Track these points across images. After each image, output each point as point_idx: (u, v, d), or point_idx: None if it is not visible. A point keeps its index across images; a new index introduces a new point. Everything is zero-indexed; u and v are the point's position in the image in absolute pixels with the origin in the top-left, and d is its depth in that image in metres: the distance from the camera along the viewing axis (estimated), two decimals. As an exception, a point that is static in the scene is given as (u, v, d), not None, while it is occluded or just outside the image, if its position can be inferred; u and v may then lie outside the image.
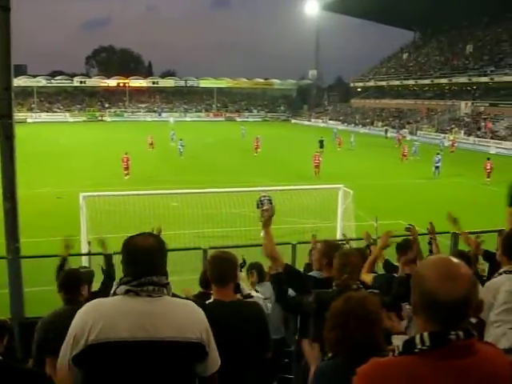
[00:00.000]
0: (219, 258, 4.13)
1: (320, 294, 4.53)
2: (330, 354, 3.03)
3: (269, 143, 50.94)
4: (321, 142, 48.50)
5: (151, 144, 50.45)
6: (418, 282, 2.07)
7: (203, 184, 23.73)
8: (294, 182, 24.30)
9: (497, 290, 4.02)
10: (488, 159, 35.37)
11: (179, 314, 2.90)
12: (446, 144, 55.29)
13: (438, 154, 38.43)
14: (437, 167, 36.78)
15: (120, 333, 2.74)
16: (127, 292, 2.83)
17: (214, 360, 3.08)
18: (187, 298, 4.30)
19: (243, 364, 3.95)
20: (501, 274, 4.29)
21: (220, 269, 4.02)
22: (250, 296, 5.16)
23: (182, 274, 10.23)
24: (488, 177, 33.78)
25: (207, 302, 4.13)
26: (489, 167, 34.15)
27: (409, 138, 67.58)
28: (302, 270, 6.77)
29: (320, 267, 5.49)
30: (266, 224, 5.20)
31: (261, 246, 10.91)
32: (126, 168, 34.14)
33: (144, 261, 2.85)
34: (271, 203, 19.24)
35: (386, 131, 74.67)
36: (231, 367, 3.68)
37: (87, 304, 2.91)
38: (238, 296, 4.56)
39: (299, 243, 9.41)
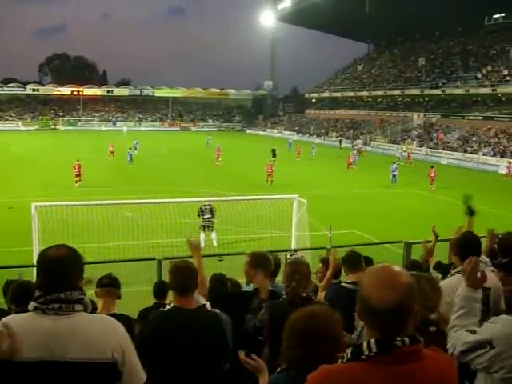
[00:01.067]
0: (181, 267, 4.14)
1: (272, 304, 4.57)
2: (283, 366, 2.99)
3: (225, 153, 50.79)
4: (273, 151, 50.24)
5: (112, 152, 49.95)
6: (359, 290, 2.16)
7: (158, 194, 23.61)
8: (250, 192, 24.14)
9: (453, 290, 4.04)
10: (432, 167, 37.65)
11: (89, 332, 2.70)
12: (402, 155, 56.19)
13: (394, 163, 40.01)
14: (394, 176, 38.12)
15: (24, 352, 2.58)
16: (35, 309, 2.67)
17: (134, 378, 2.85)
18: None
19: (200, 372, 3.93)
20: (453, 274, 4.53)
21: (181, 278, 4.04)
22: (204, 306, 5.06)
23: (136, 285, 10.08)
24: (431, 184, 36.16)
25: (166, 309, 4.21)
26: (432, 175, 36.38)
27: (363, 148, 68.39)
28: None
29: (250, 279, 5.49)
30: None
31: (216, 255, 10.89)
32: (78, 175, 33.86)
33: (53, 274, 2.69)
34: (212, 212, 19.59)
35: (341, 142, 75.43)
36: (189, 374, 3.71)
37: (1, 320, 2.72)
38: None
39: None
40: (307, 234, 16.84)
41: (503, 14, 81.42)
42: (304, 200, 16.83)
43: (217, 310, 4.82)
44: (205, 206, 19.54)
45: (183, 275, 4.06)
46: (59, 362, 2.62)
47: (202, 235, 19.06)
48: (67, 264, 2.74)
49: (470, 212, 6.25)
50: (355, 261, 5.95)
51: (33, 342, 2.59)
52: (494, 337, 2.58)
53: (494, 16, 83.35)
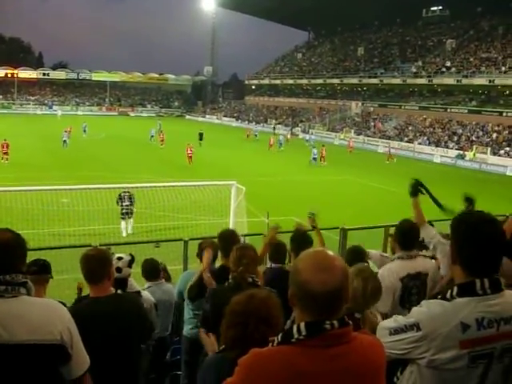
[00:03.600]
0: (88, 256, 4.07)
1: (215, 291, 4.63)
2: (221, 347, 3.09)
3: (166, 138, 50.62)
4: (200, 134, 52.76)
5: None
6: (294, 275, 2.15)
7: (95, 179, 22.76)
8: (189, 178, 23.54)
9: (395, 276, 4.59)
10: (323, 146, 45.36)
11: (36, 315, 2.77)
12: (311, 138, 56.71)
13: (314, 147, 45.48)
14: (314, 158, 43.01)
15: None
16: None
17: (80, 361, 2.97)
18: None
19: (124, 358, 3.99)
20: (394, 260, 4.86)
21: (89, 266, 4.00)
22: (138, 293, 5.16)
23: (72, 273, 9.69)
24: (322, 161, 43.14)
25: (82, 303, 4.21)
26: (323, 153, 43.64)
27: (301, 136, 68.63)
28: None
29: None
30: None
31: (153, 242, 10.69)
32: (6, 153, 35.76)
33: None
34: (131, 199, 19.21)
35: (274, 128, 76.37)
36: (112, 362, 3.81)
37: None
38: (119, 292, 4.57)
39: (191, 239, 9.10)
40: (245, 220, 16.88)
41: (440, 7, 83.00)
42: (242, 186, 16.90)
43: (145, 296, 5.02)
44: (124, 193, 19.02)
45: (91, 264, 4.00)
46: (8, 345, 2.66)
47: (123, 224, 18.85)
48: (12, 247, 2.78)
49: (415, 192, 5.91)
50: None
51: None
52: (420, 319, 2.59)
53: (432, 8, 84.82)
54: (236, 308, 2.98)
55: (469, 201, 6.36)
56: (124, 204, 18.80)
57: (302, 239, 5.91)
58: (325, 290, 2.06)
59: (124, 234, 18.48)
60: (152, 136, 54.32)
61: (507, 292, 2.65)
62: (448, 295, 2.62)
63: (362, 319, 3.51)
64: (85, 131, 55.56)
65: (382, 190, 30.39)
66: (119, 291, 4.52)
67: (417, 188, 5.28)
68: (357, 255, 5.40)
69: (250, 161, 42.87)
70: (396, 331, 2.67)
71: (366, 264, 4.50)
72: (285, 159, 45.76)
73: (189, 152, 38.83)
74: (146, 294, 5.60)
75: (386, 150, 53.38)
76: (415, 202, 5.26)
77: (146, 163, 37.47)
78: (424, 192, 5.33)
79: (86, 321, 3.69)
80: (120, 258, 5.05)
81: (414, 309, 2.70)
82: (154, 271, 6.95)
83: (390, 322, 2.78)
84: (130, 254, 5.38)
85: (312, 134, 67.72)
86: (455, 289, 2.62)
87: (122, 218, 18.86)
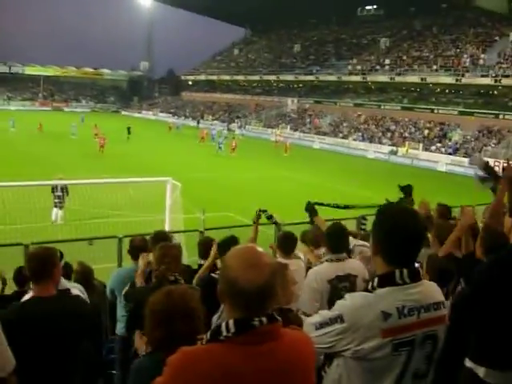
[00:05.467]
0: (33, 254, 4.06)
1: (134, 292, 4.77)
2: (148, 350, 3.10)
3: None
4: (128, 129, 53.71)
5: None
6: (223, 271, 2.17)
7: (27, 176, 21.63)
8: (123, 175, 22.82)
9: (323, 278, 4.66)
10: (233, 138, 48.61)
11: None
12: (272, 138, 56.84)
13: (225, 137, 48.34)
14: (220, 147, 45.92)
15: None
16: None
17: (2, 360, 2.94)
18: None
19: (66, 357, 3.94)
20: (322, 262, 4.91)
21: (33, 265, 3.92)
22: (68, 291, 4.99)
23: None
24: (232, 152, 44.87)
25: (24, 300, 4.12)
26: (234, 144, 45.66)
27: (238, 131, 68.48)
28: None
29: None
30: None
31: (87, 239, 10.86)
32: None
33: None
34: (63, 190, 19.06)
35: (198, 122, 77.63)
36: (54, 361, 3.77)
37: None
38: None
39: (126, 236, 8.98)
40: (181, 216, 16.63)
41: (375, 6, 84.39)
42: (178, 183, 16.59)
43: (73, 291, 4.85)
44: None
45: (35, 262, 3.93)
46: None
47: (55, 210, 19.33)
48: None
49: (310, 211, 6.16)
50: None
51: None
52: (343, 311, 2.63)
53: (367, 7, 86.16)
54: (155, 308, 2.96)
55: (404, 190, 6.52)
56: (56, 193, 19.05)
57: (229, 239, 5.90)
58: (252, 286, 2.07)
59: (53, 218, 19.15)
60: (73, 133, 52.28)
61: (426, 281, 2.76)
62: (369, 286, 2.69)
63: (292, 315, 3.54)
64: (13, 126, 55.04)
65: (316, 185, 30.39)
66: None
67: (312, 209, 5.57)
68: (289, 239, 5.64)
69: (184, 157, 42.27)
70: (321, 325, 2.71)
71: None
72: (216, 155, 45.47)
73: (101, 142, 40.74)
74: (76, 291, 5.39)
75: (278, 139, 56.15)
76: (319, 220, 5.56)
77: (78, 159, 36.21)
78: (322, 206, 5.62)
79: (26, 320, 3.77)
80: None
81: (338, 302, 2.74)
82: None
83: (315, 317, 2.81)
84: (59, 252, 5.17)
85: (241, 127, 69.97)
86: (376, 280, 2.67)
87: (54, 206, 19.26)
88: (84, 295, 5.49)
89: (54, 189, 19.11)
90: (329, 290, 4.69)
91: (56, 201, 19.18)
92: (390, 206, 2.95)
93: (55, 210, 19.33)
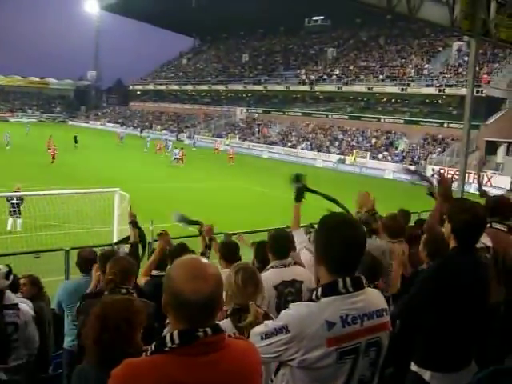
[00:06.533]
0: None
1: (84, 305, 4.68)
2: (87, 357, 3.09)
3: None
4: (75, 137, 53.78)
5: None
6: (168, 283, 2.15)
7: None
8: (76, 186, 22.24)
9: (269, 283, 4.47)
10: (182, 148, 48.23)
11: None
12: (221, 148, 57.09)
13: (176, 148, 48.60)
14: (175, 158, 46.05)
15: None
16: None
17: None
18: None
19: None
20: (268, 269, 4.85)
21: None
22: (16, 306, 5.09)
23: None
24: (179, 162, 45.27)
25: None
26: (181, 155, 45.85)
27: (187, 141, 68.18)
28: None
29: None
30: None
31: (33, 252, 10.94)
32: None
33: None
34: (18, 198, 18.78)
35: (141, 131, 78.67)
36: None
37: None
38: None
39: (73, 248, 8.85)
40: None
41: (322, 17, 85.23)
42: (126, 193, 16.65)
43: (21, 306, 5.01)
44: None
45: None
46: None
47: (10, 220, 19.28)
48: None
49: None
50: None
51: None
52: (288, 321, 2.63)
53: (314, 18, 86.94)
54: (92, 317, 2.99)
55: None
56: (12, 202, 18.94)
57: (181, 249, 5.95)
58: (197, 298, 2.07)
59: (9, 228, 19.00)
60: (8, 142, 49.82)
61: (369, 289, 2.77)
62: (314, 296, 2.69)
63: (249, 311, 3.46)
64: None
65: (266, 194, 30.31)
66: None
67: (302, 193, 5.30)
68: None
69: (132, 167, 41.67)
70: (267, 335, 2.71)
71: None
72: (165, 165, 45.14)
73: (52, 153, 40.71)
74: (24, 306, 5.37)
75: (218, 147, 58.84)
76: (297, 208, 5.32)
77: (22, 170, 34.81)
78: (314, 193, 5.35)
79: None
80: None
81: (283, 312, 2.76)
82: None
83: (260, 328, 2.81)
84: (7, 266, 5.26)
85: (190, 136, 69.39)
86: (319, 289, 2.68)
87: (10, 215, 19.27)
88: (31, 311, 5.42)
89: (8, 198, 18.86)
90: (275, 295, 4.70)
91: (11, 209, 19.04)
92: (328, 216, 2.88)
93: (10, 219, 19.23)
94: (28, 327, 5.14)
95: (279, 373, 2.77)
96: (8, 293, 5.11)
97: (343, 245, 2.62)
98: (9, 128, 61.26)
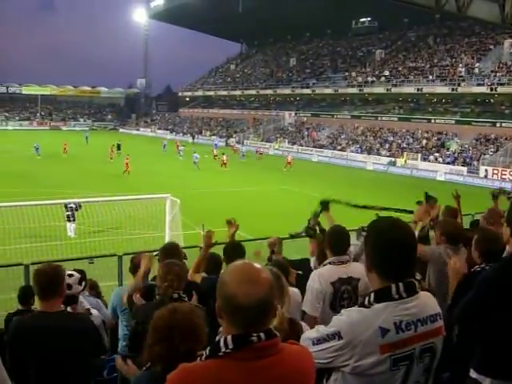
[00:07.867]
0: (41, 271, 4.05)
1: (138, 309, 4.66)
2: (148, 364, 3.09)
3: (102, 153, 50.00)
4: (118, 145, 54.44)
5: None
6: (221, 288, 2.16)
7: (28, 196, 21.80)
8: (127, 192, 22.83)
9: (326, 280, 4.71)
10: (223, 154, 48.64)
11: None
12: (270, 152, 56.76)
13: (195, 152, 48.37)
14: (195, 162, 46.25)
15: None
16: None
17: None
18: None
19: (67, 374, 3.95)
20: (325, 265, 4.92)
21: (41, 282, 3.98)
22: (88, 312, 5.19)
23: (3, 293, 9.67)
24: (223, 165, 46.53)
25: (28, 315, 4.22)
26: (224, 159, 47.07)
27: (237, 146, 68.69)
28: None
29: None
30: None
31: (87, 258, 10.65)
32: None
33: None
34: (76, 205, 19.46)
35: (194, 137, 78.98)
36: (55, 374, 3.83)
37: None
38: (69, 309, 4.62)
39: (125, 254, 8.97)
40: (181, 233, 16.71)
41: (369, 18, 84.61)
42: (177, 199, 16.72)
43: (95, 314, 5.10)
44: (70, 204, 19.62)
45: (43, 279, 3.97)
46: None
47: (69, 225, 19.88)
48: None
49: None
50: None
51: None
52: (341, 328, 2.63)
53: (361, 20, 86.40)
54: (159, 323, 2.98)
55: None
56: (69, 206, 19.47)
57: (232, 251, 5.81)
58: (250, 302, 2.07)
59: (69, 234, 19.61)
60: (37, 149, 50.50)
61: (422, 293, 2.74)
62: (366, 302, 2.67)
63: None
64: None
65: (317, 198, 30.37)
66: (69, 308, 4.59)
67: (326, 205, 5.81)
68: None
69: (180, 173, 42.32)
70: (319, 341, 2.71)
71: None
72: (214, 171, 45.35)
73: (126, 162, 40.73)
74: (95, 312, 5.60)
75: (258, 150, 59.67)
76: (327, 216, 5.75)
77: (77, 178, 36.12)
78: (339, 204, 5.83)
79: (27, 333, 3.87)
80: (70, 275, 5.02)
81: (334, 318, 2.75)
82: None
83: (312, 333, 2.82)
84: (80, 271, 5.39)
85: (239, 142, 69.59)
86: (372, 295, 2.66)
87: (68, 221, 19.87)
88: (101, 316, 5.73)
89: (67, 205, 19.40)
90: (332, 292, 4.76)
91: (68, 213, 19.65)
92: (378, 222, 2.91)
93: (68, 224, 19.85)
94: (101, 332, 5.21)
95: (331, 378, 2.77)
96: (81, 297, 5.32)
97: (391, 247, 2.61)
98: (65, 137, 63.14)
